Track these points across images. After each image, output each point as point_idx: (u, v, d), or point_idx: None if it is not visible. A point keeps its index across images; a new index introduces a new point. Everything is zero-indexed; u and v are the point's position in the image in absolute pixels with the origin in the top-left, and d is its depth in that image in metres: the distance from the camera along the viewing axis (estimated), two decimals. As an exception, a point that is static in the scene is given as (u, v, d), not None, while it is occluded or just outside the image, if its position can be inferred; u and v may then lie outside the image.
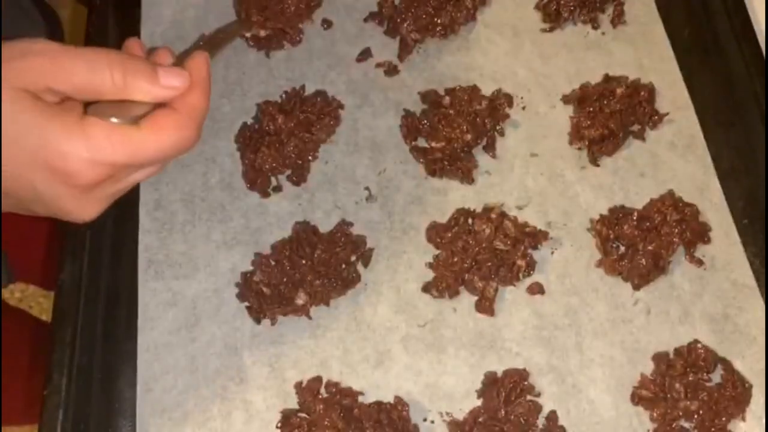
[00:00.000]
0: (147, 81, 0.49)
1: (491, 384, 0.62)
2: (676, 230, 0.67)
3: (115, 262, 0.70)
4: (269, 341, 0.65)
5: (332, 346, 0.65)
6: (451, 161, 0.72)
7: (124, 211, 0.71)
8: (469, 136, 0.72)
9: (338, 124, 0.75)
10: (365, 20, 0.81)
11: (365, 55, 0.79)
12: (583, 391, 0.63)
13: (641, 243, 0.67)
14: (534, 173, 0.72)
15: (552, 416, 0.61)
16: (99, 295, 0.68)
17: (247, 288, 0.66)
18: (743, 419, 0.61)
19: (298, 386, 0.63)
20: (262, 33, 0.76)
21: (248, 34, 0.76)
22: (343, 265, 0.67)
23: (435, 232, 0.69)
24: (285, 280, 0.66)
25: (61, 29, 0.73)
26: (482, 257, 0.66)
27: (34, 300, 1.60)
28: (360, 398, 0.62)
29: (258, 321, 0.66)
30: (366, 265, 0.68)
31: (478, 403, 0.62)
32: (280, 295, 0.66)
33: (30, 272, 1.14)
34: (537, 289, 0.67)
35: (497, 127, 0.74)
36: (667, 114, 0.74)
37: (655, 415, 0.61)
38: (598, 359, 0.64)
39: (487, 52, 0.79)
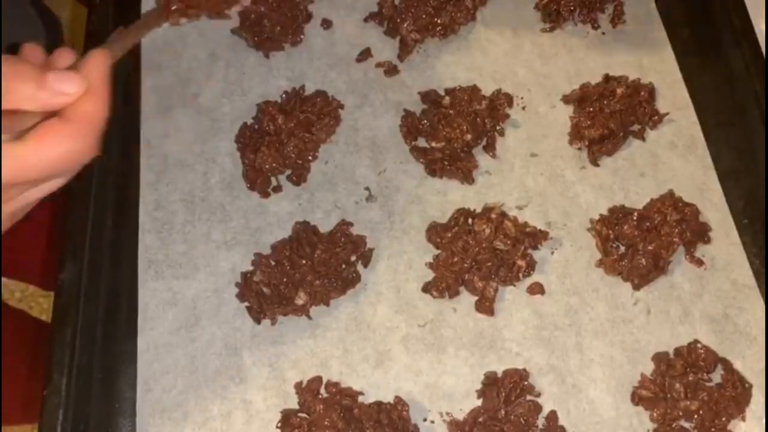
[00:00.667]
0: (33, 86, 0.44)
1: (491, 384, 0.62)
2: (676, 230, 0.67)
3: (115, 262, 0.70)
4: (269, 341, 0.65)
5: (332, 346, 0.65)
6: (451, 161, 0.72)
7: (124, 211, 0.71)
8: (469, 136, 0.72)
9: (338, 124, 0.75)
10: (365, 20, 0.81)
11: (365, 55, 0.79)
12: (583, 391, 0.63)
13: (641, 243, 0.67)
14: (534, 173, 0.72)
15: (552, 416, 0.61)
16: (99, 295, 0.68)
17: (247, 288, 0.66)
18: (743, 419, 0.61)
19: (298, 386, 0.63)
20: (183, 21, 0.69)
21: (167, 24, 0.68)
22: (343, 265, 0.67)
23: (435, 232, 0.69)
24: (285, 280, 0.66)
25: (61, 34, 0.73)
26: (482, 257, 0.66)
27: (34, 300, 1.60)
28: (360, 398, 0.62)
29: (258, 321, 0.66)
30: (366, 265, 0.68)
31: (478, 403, 0.62)
32: (280, 295, 0.66)
33: (30, 272, 1.14)
34: (537, 289, 0.67)
35: (497, 127, 0.74)
36: (667, 114, 0.74)
37: (655, 415, 0.61)
38: (598, 359, 0.64)
39: (487, 52, 0.79)
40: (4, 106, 0.43)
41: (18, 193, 0.46)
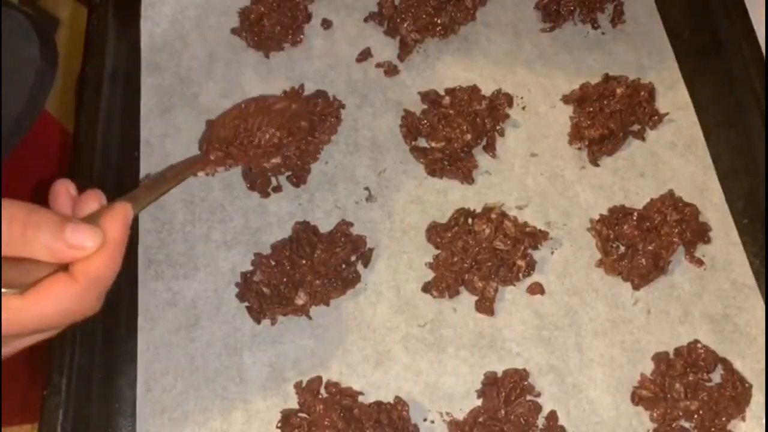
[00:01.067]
0: (50, 235, 0.43)
1: (491, 384, 0.62)
2: (676, 230, 0.67)
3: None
4: (269, 341, 0.65)
5: (332, 346, 0.65)
6: (451, 161, 0.72)
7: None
8: (469, 136, 0.72)
9: (339, 123, 0.75)
10: (365, 20, 0.81)
11: (365, 55, 0.79)
12: (583, 391, 0.63)
13: (641, 243, 0.67)
14: (534, 173, 0.72)
15: (552, 416, 0.61)
16: (99, 295, 0.68)
17: (247, 288, 0.66)
18: (743, 419, 0.61)
19: (298, 386, 0.63)
20: (220, 170, 0.68)
21: (201, 174, 0.66)
22: (343, 265, 0.67)
23: (435, 232, 0.68)
24: (285, 280, 0.66)
25: (54, 48, 0.72)
26: (482, 257, 0.66)
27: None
28: (360, 398, 0.62)
29: (258, 321, 0.66)
30: (366, 265, 0.68)
31: (478, 403, 0.62)
32: (280, 295, 0.65)
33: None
34: (537, 289, 0.67)
35: (497, 127, 0.74)
36: (667, 114, 0.74)
37: (655, 415, 0.61)
38: (598, 359, 0.64)
39: (487, 52, 0.79)
40: (20, 254, 0.43)
41: (7, 343, 0.46)
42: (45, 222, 0.43)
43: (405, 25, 0.78)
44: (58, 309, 0.44)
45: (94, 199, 0.49)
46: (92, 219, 0.47)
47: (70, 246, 0.44)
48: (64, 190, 0.49)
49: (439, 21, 0.78)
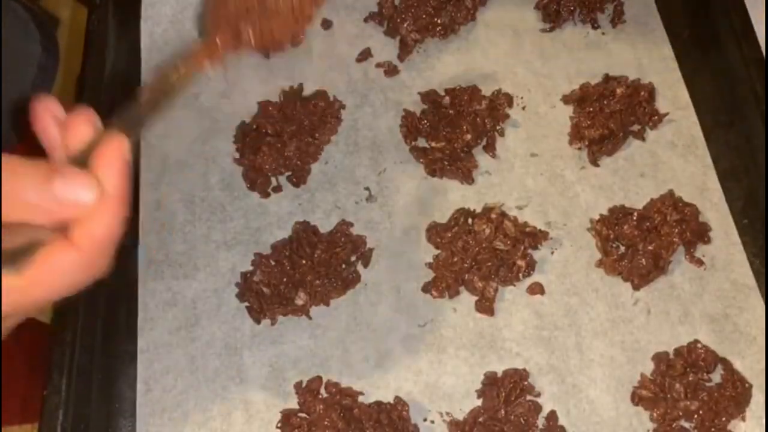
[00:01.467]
0: (36, 191, 0.35)
1: (491, 384, 0.62)
2: (676, 230, 0.67)
3: (115, 262, 0.70)
4: (269, 341, 0.65)
5: (332, 346, 0.65)
6: (451, 161, 0.72)
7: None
8: (469, 136, 0.72)
9: (339, 123, 0.75)
10: (365, 20, 0.81)
11: (365, 55, 0.79)
12: (583, 391, 0.63)
13: (641, 243, 0.67)
14: (534, 173, 0.72)
15: (552, 416, 0.61)
16: (99, 295, 0.68)
17: (247, 288, 0.66)
18: (743, 419, 0.61)
19: (298, 386, 0.63)
20: (230, 56, 0.53)
21: (208, 66, 0.51)
22: (343, 265, 0.67)
23: (435, 232, 0.69)
24: (285, 280, 0.66)
25: (55, 41, 0.72)
26: (482, 257, 0.66)
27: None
28: (360, 398, 0.62)
29: (258, 321, 0.66)
30: (366, 265, 0.68)
31: (478, 403, 0.62)
32: (280, 295, 0.66)
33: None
34: (537, 289, 0.67)
35: (497, 127, 0.74)
36: (667, 114, 0.74)
37: (655, 415, 0.61)
38: (598, 359, 0.64)
39: (487, 52, 0.79)
40: (5, 219, 0.36)
41: (7, 324, 0.41)
42: (30, 178, 0.36)
43: (405, 25, 0.78)
44: (63, 282, 0.38)
45: (85, 123, 0.40)
46: (85, 154, 0.39)
47: (62, 203, 0.36)
48: (47, 113, 0.40)
49: (439, 21, 0.78)
